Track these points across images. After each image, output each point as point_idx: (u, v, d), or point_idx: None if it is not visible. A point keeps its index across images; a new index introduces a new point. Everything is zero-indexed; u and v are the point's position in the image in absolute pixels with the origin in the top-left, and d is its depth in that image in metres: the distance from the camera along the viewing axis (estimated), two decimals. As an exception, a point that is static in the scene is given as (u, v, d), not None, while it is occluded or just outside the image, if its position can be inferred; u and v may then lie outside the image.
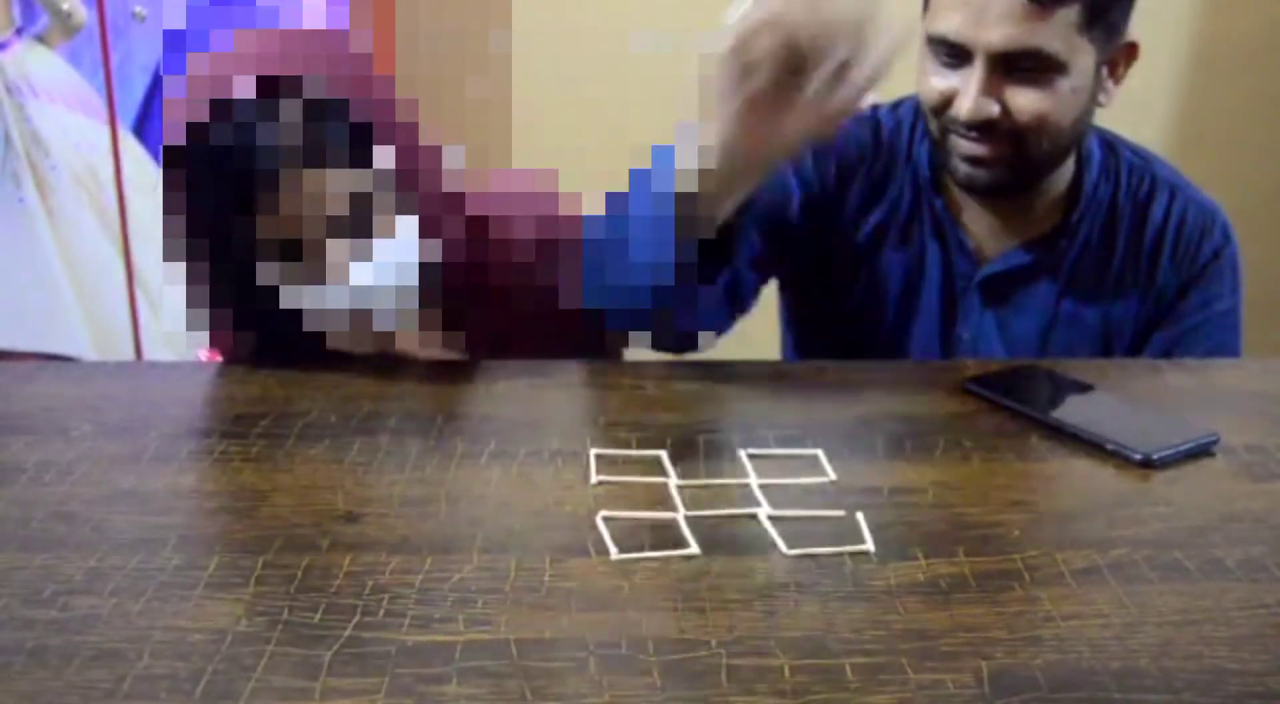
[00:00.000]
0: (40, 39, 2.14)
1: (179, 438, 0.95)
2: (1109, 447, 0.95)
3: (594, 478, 0.90)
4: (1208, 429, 0.97)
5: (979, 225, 1.26)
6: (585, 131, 1.86)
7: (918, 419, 1.00)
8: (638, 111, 2.03)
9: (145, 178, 2.21)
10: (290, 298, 1.01)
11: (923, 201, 1.28)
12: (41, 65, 2.15)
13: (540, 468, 0.91)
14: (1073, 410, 1.00)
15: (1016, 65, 1.11)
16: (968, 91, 1.13)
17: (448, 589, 0.75)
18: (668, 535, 0.82)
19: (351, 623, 0.72)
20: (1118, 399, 1.03)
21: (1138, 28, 1.17)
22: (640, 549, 0.80)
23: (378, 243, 1.01)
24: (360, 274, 1.01)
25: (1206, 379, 1.12)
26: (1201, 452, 0.95)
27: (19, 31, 2.14)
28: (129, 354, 2.30)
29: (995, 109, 1.13)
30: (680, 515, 0.84)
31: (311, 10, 1.02)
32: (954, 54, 1.14)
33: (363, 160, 1.00)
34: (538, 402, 1.04)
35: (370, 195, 1.00)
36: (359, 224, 1.00)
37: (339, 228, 1.00)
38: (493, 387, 1.06)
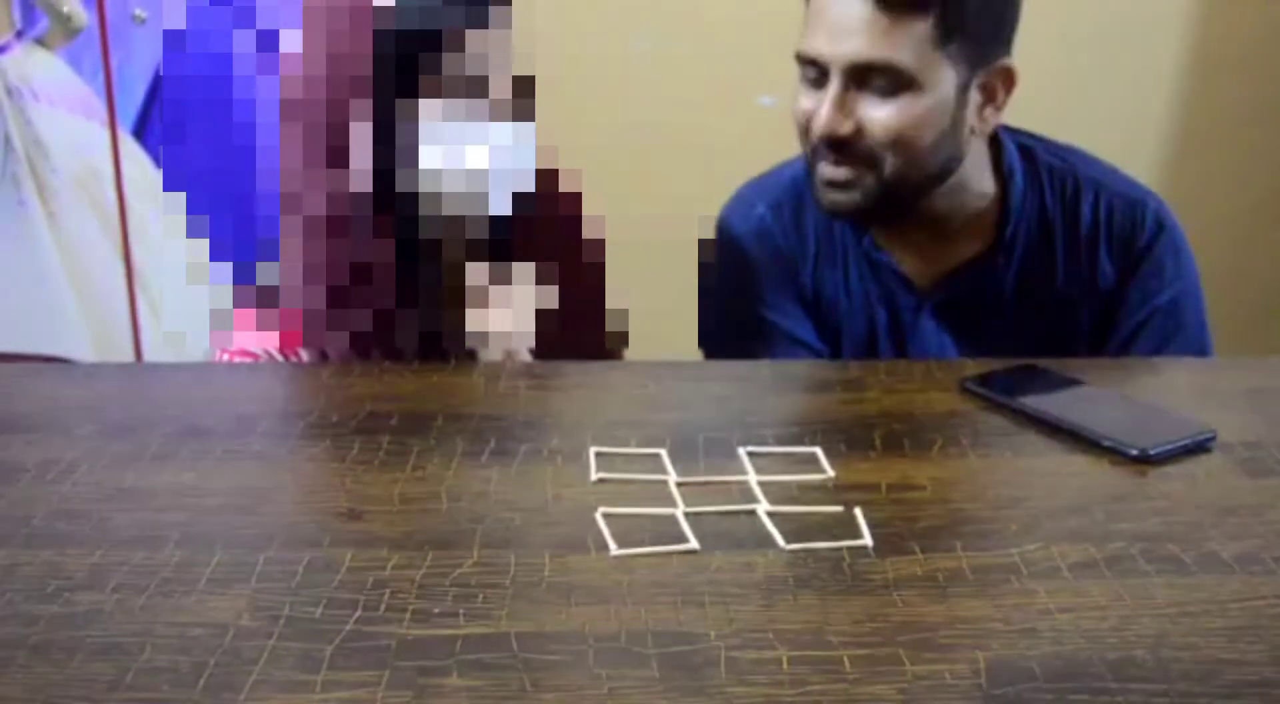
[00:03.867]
0: (40, 42, 2.15)
1: (180, 437, 0.96)
2: (1106, 443, 0.95)
3: (594, 475, 0.90)
4: (1205, 425, 0.97)
5: (911, 257, 1.25)
6: (584, 131, 1.86)
7: (916, 417, 1.01)
8: (637, 111, 2.04)
9: (145, 180, 2.21)
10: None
11: (851, 241, 1.27)
12: (42, 68, 2.16)
13: (540, 466, 0.92)
14: (1070, 408, 1.00)
15: (870, 81, 1.11)
16: (822, 107, 1.13)
17: (448, 584, 0.76)
18: (667, 531, 0.82)
19: (353, 617, 0.72)
20: (1115, 396, 1.03)
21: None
22: (640, 544, 0.81)
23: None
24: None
25: (1204, 376, 1.12)
26: (1198, 448, 0.95)
27: (19, 34, 2.14)
28: (129, 356, 2.30)
29: (848, 126, 1.13)
30: (679, 511, 0.85)
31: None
32: (816, 72, 1.14)
33: None
34: (537, 402, 1.04)
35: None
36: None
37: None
38: (492, 387, 1.07)
